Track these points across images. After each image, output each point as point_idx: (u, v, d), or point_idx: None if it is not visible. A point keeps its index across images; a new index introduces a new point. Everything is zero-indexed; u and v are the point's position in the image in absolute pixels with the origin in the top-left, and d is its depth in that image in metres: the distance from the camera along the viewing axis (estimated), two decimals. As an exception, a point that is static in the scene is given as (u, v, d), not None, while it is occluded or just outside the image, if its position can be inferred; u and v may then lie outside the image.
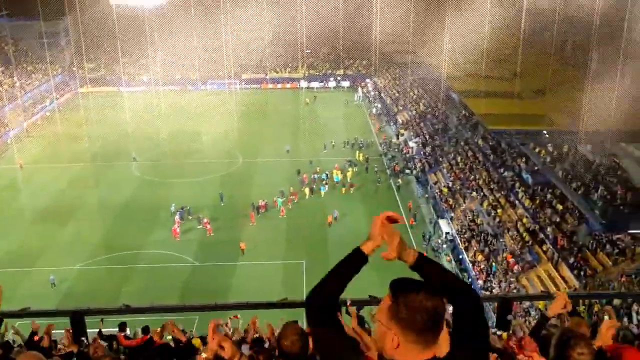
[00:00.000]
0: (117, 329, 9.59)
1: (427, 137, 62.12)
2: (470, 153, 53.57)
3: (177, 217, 44.64)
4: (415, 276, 2.79)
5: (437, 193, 49.90)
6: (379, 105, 79.14)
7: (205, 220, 44.54)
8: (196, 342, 7.74)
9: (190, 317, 23.94)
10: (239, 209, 47.64)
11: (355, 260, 3.00)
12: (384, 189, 52.36)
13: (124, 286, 36.17)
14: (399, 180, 53.68)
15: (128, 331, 10.92)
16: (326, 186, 51.40)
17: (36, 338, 7.72)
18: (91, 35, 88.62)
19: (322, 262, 39.21)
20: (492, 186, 46.21)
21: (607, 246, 33.74)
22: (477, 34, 63.88)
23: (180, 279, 37.63)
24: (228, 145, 62.94)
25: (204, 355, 4.60)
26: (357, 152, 60.03)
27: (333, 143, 62.08)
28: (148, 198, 50.21)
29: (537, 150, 44.96)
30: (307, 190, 50.51)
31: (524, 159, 45.43)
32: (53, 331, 7.89)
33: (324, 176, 53.02)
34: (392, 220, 2.97)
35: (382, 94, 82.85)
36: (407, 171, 56.14)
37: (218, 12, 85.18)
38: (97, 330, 9.42)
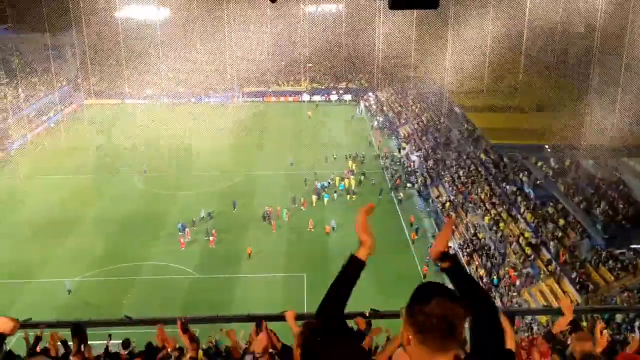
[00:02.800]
0: (107, 346, 9.54)
1: (429, 150, 62.20)
2: (472, 167, 53.60)
3: (187, 229, 44.97)
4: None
5: (439, 207, 49.88)
6: (381, 119, 79.34)
7: (213, 231, 44.77)
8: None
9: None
10: (242, 220, 47.88)
11: (353, 268, 3.12)
12: (385, 202, 52.34)
13: (125, 298, 36.15)
14: (401, 193, 53.72)
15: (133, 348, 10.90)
16: (329, 194, 52.49)
17: (38, 349, 7.72)
18: (96, 48, 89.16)
19: (322, 274, 39.31)
20: (494, 200, 46.19)
21: (609, 261, 33.64)
22: (479, 48, 64.23)
23: (182, 290, 37.61)
24: (230, 157, 63.09)
25: (188, 355, 4.65)
26: (351, 162, 60.51)
27: (335, 156, 62.21)
28: (150, 210, 50.29)
29: (539, 164, 44.99)
30: (314, 198, 51.38)
31: (526, 173, 45.44)
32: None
33: (325, 184, 54.26)
34: (368, 213, 3.13)
35: (384, 108, 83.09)
36: (409, 185, 56.17)
37: (222, 25, 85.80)
38: (105, 345, 9.42)
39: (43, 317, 7.11)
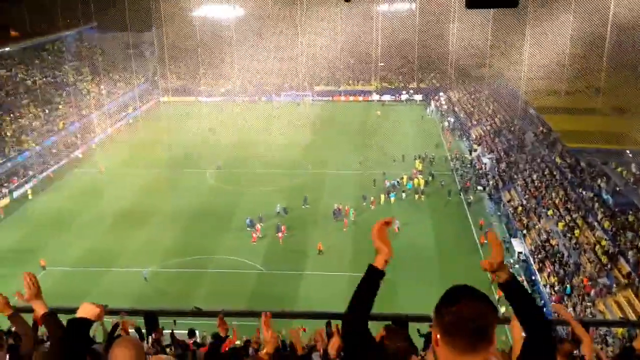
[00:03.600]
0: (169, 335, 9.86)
1: (502, 153, 60.54)
2: (546, 171, 51.75)
3: (257, 225, 45.69)
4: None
5: (510, 211, 48.47)
6: (452, 120, 77.92)
7: (283, 227, 45.44)
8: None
9: (252, 324, 24.30)
10: (311, 217, 48.37)
11: (372, 278, 3.21)
12: (454, 204, 51.44)
13: (194, 289, 37.21)
14: (470, 196, 52.58)
15: (197, 337, 11.24)
16: (395, 194, 52.36)
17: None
18: (174, 47, 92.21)
19: (388, 275, 39.05)
20: (569, 206, 44.41)
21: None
22: (558, 47, 61.89)
23: (248, 285, 38.31)
24: (300, 156, 63.76)
25: (264, 350, 4.72)
26: (419, 163, 59.92)
27: (403, 156, 61.60)
28: (221, 205, 51.53)
29: (619, 170, 42.89)
30: (382, 197, 51.21)
31: (604, 179, 43.43)
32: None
33: (395, 182, 54.07)
34: (387, 224, 3.14)
35: (456, 108, 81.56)
36: (480, 187, 54.89)
37: (295, 24, 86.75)
38: (170, 332, 9.74)
39: (118, 304, 7.41)
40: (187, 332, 10.63)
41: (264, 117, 77.76)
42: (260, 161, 61.91)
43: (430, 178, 56.22)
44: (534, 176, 52.04)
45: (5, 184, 55.64)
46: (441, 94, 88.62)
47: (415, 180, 54.88)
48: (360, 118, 79.82)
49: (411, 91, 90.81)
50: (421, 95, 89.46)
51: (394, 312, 6.14)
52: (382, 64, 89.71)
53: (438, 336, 2.55)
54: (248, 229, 46.05)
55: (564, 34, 62.01)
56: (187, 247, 43.45)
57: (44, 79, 76.39)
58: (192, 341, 9.80)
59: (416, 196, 52.62)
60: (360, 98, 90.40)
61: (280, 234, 44.85)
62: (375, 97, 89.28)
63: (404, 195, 52.73)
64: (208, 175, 59.17)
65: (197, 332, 11.13)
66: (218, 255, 42.50)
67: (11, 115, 65.85)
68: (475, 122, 73.00)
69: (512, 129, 64.47)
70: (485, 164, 59.98)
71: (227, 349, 7.12)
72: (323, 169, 59.94)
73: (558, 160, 51.79)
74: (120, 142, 71.25)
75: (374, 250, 3.32)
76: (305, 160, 62.54)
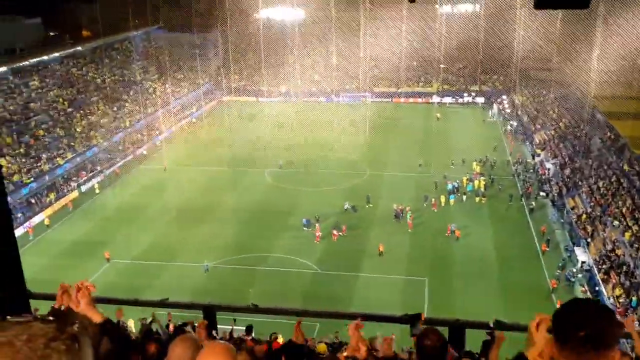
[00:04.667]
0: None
1: (567, 159, 58.59)
2: (613, 178, 49.72)
3: (317, 224, 45.92)
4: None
5: (574, 219, 46.85)
6: (515, 124, 75.98)
7: (344, 226, 45.62)
8: (321, 348, 7.91)
9: (311, 323, 24.50)
10: (368, 218, 48.44)
11: None
12: (515, 209, 50.22)
13: (251, 286, 37.80)
14: (532, 202, 51.17)
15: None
16: (456, 195, 51.96)
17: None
18: (236, 47, 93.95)
19: (444, 280, 38.65)
20: (637, 215, 42.52)
21: None
22: (629, 50, 59.35)
23: (303, 284, 38.63)
24: (359, 157, 63.78)
25: (345, 354, 4.76)
26: (479, 166, 58.93)
27: (463, 160, 60.59)
28: (279, 203, 52.17)
29: (693, 179, 40.71)
30: (443, 198, 50.89)
31: (677, 188, 41.36)
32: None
33: (456, 184, 53.54)
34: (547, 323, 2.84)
35: (519, 112, 79.49)
36: (542, 194, 53.33)
37: (357, 25, 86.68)
38: (230, 329, 9.97)
39: (177, 298, 7.65)
40: (245, 328, 10.82)
41: (323, 118, 78.13)
42: (319, 161, 62.28)
43: (490, 181, 55.19)
44: (600, 183, 50.11)
45: (74, 178, 58.21)
46: (504, 97, 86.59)
47: (476, 182, 54.16)
48: (420, 120, 79.03)
49: (473, 93, 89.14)
50: (483, 98, 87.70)
51: (450, 317, 6.06)
52: (443, 66, 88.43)
53: (555, 350, 2.49)
54: (305, 228, 46.45)
55: (634, 37, 59.34)
56: (244, 245, 44.18)
57: (113, 78, 79.37)
58: (249, 337, 9.97)
59: (477, 199, 51.82)
60: (420, 100, 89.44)
61: (335, 233, 44.95)
62: (436, 99, 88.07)
63: (464, 197, 52.00)
64: (266, 174, 59.98)
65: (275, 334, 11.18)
66: (274, 254, 43.01)
67: (81, 112, 68.76)
68: (539, 126, 70.93)
69: (578, 134, 62.29)
70: (549, 169, 58.20)
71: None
72: (382, 170, 59.70)
73: (626, 167, 49.67)
74: (183, 139, 73.14)
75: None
76: (363, 161, 62.48)
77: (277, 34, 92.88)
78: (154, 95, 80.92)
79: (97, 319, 3.45)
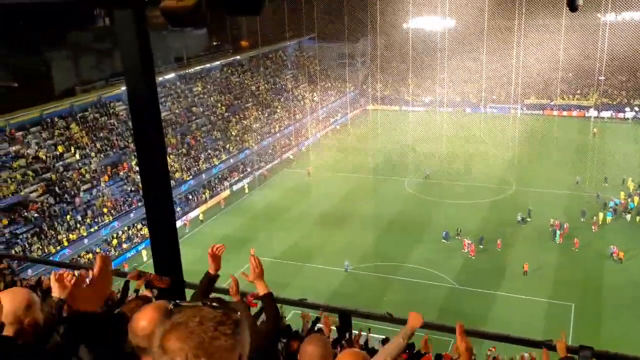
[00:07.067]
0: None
1: None
2: None
3: (466, 240, 44.92)
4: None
5: None
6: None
7: (499, 241, 44.49)
8: None
9: (446, 338, 24.11)
10: (517, 235, 46.66)
11: None
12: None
13: (385, 294, 37.95)
14: None
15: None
16: (611, 213, 48.55)
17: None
18: (382, 57, 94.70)
19: (593, 306, 35.97)
20: None
21: None
22: None
23: (438, 298, 37.98)
24: (506, 171, 61.43)
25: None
26: (631, 182, 54.60)
27: (624, 179, 55.90)
28: (418, 214, 51.81)
29: None
30: (601, 215, 47.92)
31: None
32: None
33: (617, 202, 50.52)
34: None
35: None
36: None
37: (511, 35, 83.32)
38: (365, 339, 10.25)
39: (312, 299, 8.08)
40: (381, 339, 10.99)
41: (468, 129, 76.18)
42: (462, 173, 60.89)
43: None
44: None
45: (227, 178, 62.35)
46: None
47: (636, 199, 50.31)
48: (573, 135, 74.03)
49: (636, 108, 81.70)
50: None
51: (600, 349, 5.66)
52: (602, 78, 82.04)
53: None
54: (444, 240, 45.73)
55: None
56: (381, 252, 44.49)
57: (266, 85, 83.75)
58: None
59: (637, 218, 47.80)
60: (575, 113, 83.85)
61: (472, 247, 43.73)
62: (593, 113, 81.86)
63: (628, 217, 48.48)
64: (406, 183, 59.78)
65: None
66: (410, 264, 42.80)
67: (237, 116, 73.40)
68: None
69: None
70: None
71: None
72: (528, 187, 56.89)
73: None
74: (327, 146, 75.20)
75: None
76: (510, 176, 60.00)
77: (426, 44, 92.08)
78: (302, 103, 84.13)
79: (262, 290, 4.32)
